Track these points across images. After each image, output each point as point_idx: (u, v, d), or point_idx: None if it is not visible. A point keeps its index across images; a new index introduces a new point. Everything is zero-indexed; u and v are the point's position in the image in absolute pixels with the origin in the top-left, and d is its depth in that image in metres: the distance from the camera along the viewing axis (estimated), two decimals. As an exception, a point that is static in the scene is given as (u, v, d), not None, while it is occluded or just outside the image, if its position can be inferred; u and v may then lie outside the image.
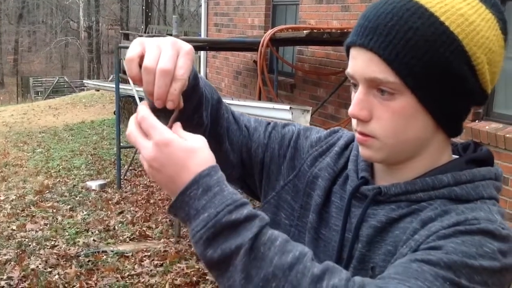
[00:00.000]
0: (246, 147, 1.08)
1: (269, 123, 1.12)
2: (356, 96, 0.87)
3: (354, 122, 0.89)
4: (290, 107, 4.41)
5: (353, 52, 0.87)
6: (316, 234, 0.99)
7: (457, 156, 0.94)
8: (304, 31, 4.99)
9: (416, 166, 0.91)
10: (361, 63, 0.85)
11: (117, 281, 4.56)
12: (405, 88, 0.83)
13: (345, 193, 0.98)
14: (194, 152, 0.78)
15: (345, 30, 5.33)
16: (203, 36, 8.73)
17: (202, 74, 8.88)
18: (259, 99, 5.82)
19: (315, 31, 5.23)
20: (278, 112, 4.61)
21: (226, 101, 5.40)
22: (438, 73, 0.81)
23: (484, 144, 4.06)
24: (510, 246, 0.79)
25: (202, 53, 8.82)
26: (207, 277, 4.61)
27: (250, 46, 6.29)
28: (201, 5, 8.97)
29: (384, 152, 0.88)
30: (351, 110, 0.87)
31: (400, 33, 0.81)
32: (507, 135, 3.85)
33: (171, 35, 5.26)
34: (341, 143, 1.05)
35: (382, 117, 0.85)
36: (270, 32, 5.31)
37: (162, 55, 0.80)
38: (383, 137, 0.86)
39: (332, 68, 5.96)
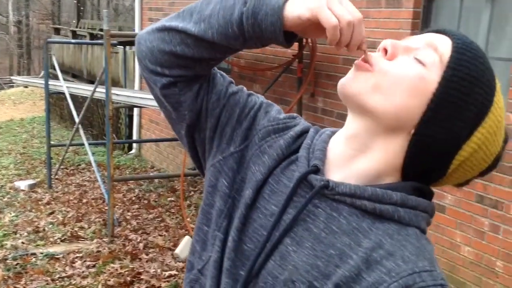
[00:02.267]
0: (206, 98, 1.02)
1: (233, 82, 1.07)
2: (402, 41, 0.91)
3: (375, 54, 0.90)
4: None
5: (428, 34, 0.92)
6: (246, 211, 0.95)
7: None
8: (238, 26, 4.96)
9: (367, 162, 0.90)
10: (431, 35, 0.91)
11: (47, 284, 4.40)
12: (439, 74, 0.86)
13: (284, 177, 0.95)
14: None
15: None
16: (137, 31, 8.55)
17: (136, 70, 8.71)
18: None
19: (249, 26, 5.22)
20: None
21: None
22: (456, 97, 0.86)
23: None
24: None
25: (136, 48, 8.66)
26: (141, 277, 4.52)
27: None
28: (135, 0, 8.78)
29: (363, 87, 0.87)
30: (387, 40, 0.89)
31: (473, 53, 0.88)
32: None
33: (103, 30, 5.12)
34: (297, 129, 1.02)
35: (402, 64, 0.87)
36: (203, 27, 5.26)
37: (346, 7, 0.84)
38: (383, 76, 0.87)
39: (267, 64, 5.97)
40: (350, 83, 0.88)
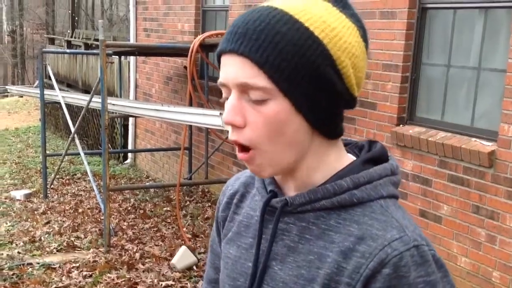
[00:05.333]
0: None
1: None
2: (229, 102, 0.87)
3: (230, 131, 0.89)
4: (220, 113, 4.40)
5: (224, 60, 0.87)
6: (225, 256, 1.04)
7: (354, 158, 0.96)
8: (234, 37, 4.99)
9: (307, 171, 0.92)
10: (232, 69, 0.86)
11: (44, 294, 4.40)
12: (277, 92, 0.84)
13: (251, 210, 1.03)
14: None
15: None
16: (132, 41, 8.57)
17: (132, 80, 8.72)
18: (190, 105, 5.78)
19: (245, 37, 5.25)
20: (208, 118, 4.60)
21: (155, 106, 5.24)
22: (307, 76, 0.84)
23: (407, 147, 4.17)
24: (427, 263, 0.85)
25: (131, 58, 8.67)
26: (138, 287, 4.52)
27: (180, 51, 6.24)
28: (130, 10, 8.81)
29: (266, 163, 0.89)
30: (225, 116, 0.87)
31: (268, 37, 0.83)
32: (430, 139, 4.00)
33: (98, 40, 5.14)
34: (230, 183, 1.12)
35: (256, 123, 0.86)
36: (199, 38, 5.29)
37: None
38: (259, 144, 0.87)
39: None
40: (258, 172, 0.91)
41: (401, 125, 4.32)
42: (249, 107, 0.86)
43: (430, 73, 4.24)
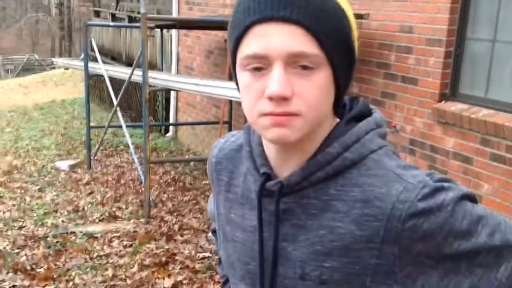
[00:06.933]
0: None
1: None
2: (277, 75, 0.81)
3: (269, 104, 0.83)
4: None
5: (263, 29, 0.81)
6: (232, 239, 1.03)
7: (338, 120, 0.94)
8: (274, 11, 4.94)
9: (316, 141, 0.91)
10: (281, 38, 0.80)
11: (86, 261, 4.54)
12: (325, 60, 0.83)
13: (248, 192, 0.99)
14: None
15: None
16: (174, 14, 8.59)
17: (174, 53, 8.78)
18: (230, 79, 5.78)
19: (285, 10, 5.19)
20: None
21: (195, 81, 5.25)
22: (343, 44, 0.86)
23: (448, 124, 4.06)
24: (444, 187, 0.86)
25: (173, 31, 8.70)
26: (176, 257, 4.61)
27: (221, 25, 6.23)
28: (172, -17, 8.82)
29: (303, 130, 0.85)
30: (276, 89, 0.80)
31: (317, 4, 0.82)
32: (472, 116, 3.90)
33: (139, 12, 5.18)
34: (214, 154, 1.09)
35: (305, 93, 0.83)
36: (240, 11, 5.26)
37: None
38: (307, 112, 0.83)
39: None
40: (288, 136, 0.84)
41: (443, 102, 4.22)
42: (296, 78, 0.82)
43: (475, 48, 4.11)
